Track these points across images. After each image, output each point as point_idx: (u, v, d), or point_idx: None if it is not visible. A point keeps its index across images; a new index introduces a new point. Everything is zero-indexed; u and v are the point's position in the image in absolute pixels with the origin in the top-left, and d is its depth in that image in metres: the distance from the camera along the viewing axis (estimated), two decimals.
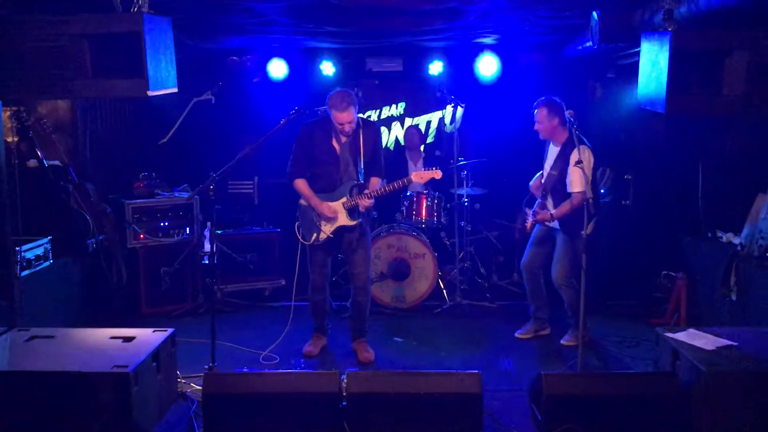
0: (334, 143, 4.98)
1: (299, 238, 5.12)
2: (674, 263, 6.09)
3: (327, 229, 5.02)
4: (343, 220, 5.00)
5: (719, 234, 5.71)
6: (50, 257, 5.12)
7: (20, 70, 3.69)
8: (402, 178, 5.01)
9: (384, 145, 8.13)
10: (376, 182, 5.04)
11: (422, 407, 3.74)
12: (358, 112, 4.96)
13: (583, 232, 4.56)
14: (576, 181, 5.06)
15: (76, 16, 3.66)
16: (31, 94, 3.91)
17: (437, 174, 5.06)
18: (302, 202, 5.12)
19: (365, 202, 4.94)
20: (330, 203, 4.98)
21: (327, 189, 5.02)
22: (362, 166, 4.99)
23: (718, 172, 6.13)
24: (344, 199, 4.97)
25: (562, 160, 5.16)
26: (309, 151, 5.01)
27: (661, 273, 6.13)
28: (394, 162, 7.19)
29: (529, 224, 5.39)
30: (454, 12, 5.34)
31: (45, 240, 5.07)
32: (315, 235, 5.05)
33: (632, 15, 4.72)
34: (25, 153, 5.19)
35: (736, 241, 5.27)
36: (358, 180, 4.99)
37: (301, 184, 5.05)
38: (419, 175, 5.04)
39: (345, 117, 4.81)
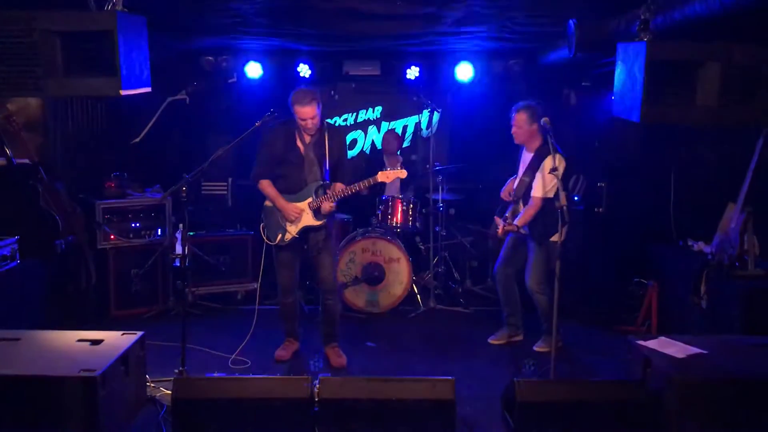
0: (299, 144, 4.97)
1: (264, 239, 5.09)
2: (645, 271, 6.14)
3: (292, 230, 5.00)
4: (309, 220, 4.97)
5: (690, 242, 5.77)
6: (17, 257, 5.02)
7: None
8: (368, 179, 4.93)
9: (360, 148, 8.13)
10: (340, 187, 5.00)
11: (395, 413, 3.72)
12: (334, 115, 4.94)
13: (555, 239, 4.59)
14: (538, 187, 5.13)
15: (47, 12, 3.59)
16: None
17: (402, 173, 5.04)
18: (267, 203, 5.10)
19: (327, 205, 4.90)
20: (296, 204, 4.96)
21: (292, 190, 4.99)
22: (327, 167, 4.97)
23: (689, 181, 6.21)
24: (310, 200, 4.95)
25: (534, 166, 5.21)
26: (274, 152, 4.99)
27: (633, 280, 6.19)
28: (372, 165, 7.17)
29: (500, 231, 5.39)
30: (432, 17, 5.34)
31: (12, 240, 4.97)
32: (280, 235, 5.02)
33: (608, 24, 4.76)
34: None
35: (707, 249, 5.33)
36: (323, 180, 4.96)
37: (266, 185, 5.02)
38: (385, 175, 4.95)
39: (307, 112, 4.78)
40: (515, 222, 5.25)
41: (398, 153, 7.46)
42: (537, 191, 5.18)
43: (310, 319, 6.02)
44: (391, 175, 4.95)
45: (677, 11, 3.70)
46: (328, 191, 4.92)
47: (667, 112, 3.69)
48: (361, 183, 4.91)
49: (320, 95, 4.90)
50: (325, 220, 5.00)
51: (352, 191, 4.92)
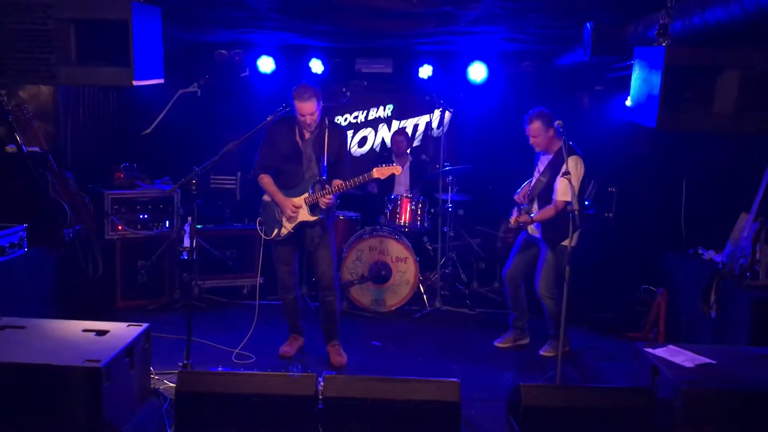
0: (298, 139, 4.97)
1: (261, 234, 5.09)
2: (655, 278, 6.10)
3: (288, 225, 5.00)
4: (304, 215, 4.96)
5: (701, 251, 5.72)
6: (25, 245, 5.01)
7: (2, 52, 3.60)
8: (364, 174, 4.92)
9: (370, 147, 8.11)
10: (338, 183, 4.97)
11: (399, 414, 3.69)
12: (345, 112, 4.92)
13: (566, 244, 4.55)
14: (561, 191, 5.07)
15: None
16: (12, 78, 3.81)
17: (397, 170, 4.99)
18: (266, 198, 5.11)
19: (325, 199, 4.87)
20: (293, 199, 4.95)
21: (289, 185, 4.99)
22: (325, 163, 4.95)
23: (701, 188, 6.15)
24: (306, 195, 4.94)
25: (554, 168, 5.16)
26: (274, 147, 5.01)
27: (641, 287, 6.14)
28: (380, 164, 7.12)
29: (512, 221, 5.34)
30: (448, 16, 5.31)
31: (20, 227, 4.96)
32: (276, 230, 5.03)
33: (625, 28, 4.73)
34: (3, 138, 5.08)
35: (718, 258, 5.27)
36: (320, 176, 4.94)
37: (265, 180, 5.04)
38: (380, 171, 4.95)
39: (307, 107, 4.77)
40: (533, 216, 5.21)
41: (408, 152, 7.44)
42: (561, 195, 5.08)
43: (316, 315, 6.00)
44: (386, 171, 4.95)
45: (697, 16, 3.66)
46: (326, 186, 4.90)
47: (684, 119, 3.66)
48: (356, 179, 4.91)
49: (320, 92, 4.88)
50: (320, 216, 4.97)
51: (348, 186, 4.90)
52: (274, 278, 5.28)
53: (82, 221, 5.55)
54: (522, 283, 5.56)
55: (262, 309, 5.29)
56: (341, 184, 4.88)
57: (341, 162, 5.06)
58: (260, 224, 5.12)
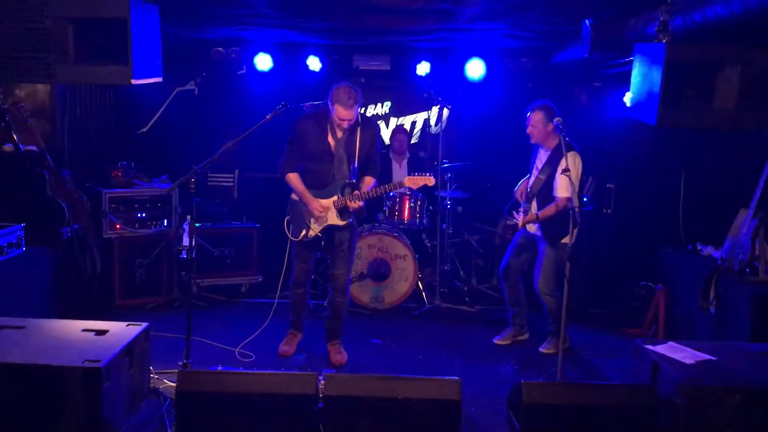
0: (330, 139, 4.84)
1: (288, 233, 5.02)
2: (653, 274, 6.10)
3: (316, 228, 4.93)
4: (333, 219, 4.89)
5: (699, 247, 5.72)
6: (23, 245, 4.99)
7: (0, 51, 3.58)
8: (394, 182, 4.88)
9: None
10: (369, 182, 4.91)
11: (400, 412, 3.69)
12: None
13: (566, 242, 4.55)
14: (562, 187, 5.06)
15: None
16: (10, 77, 3.79)
17: (430, 181, 4.93)
18: (294, 197, 5.01)
19: (355, 204, 4.80)
20: (321, 200, 4.87)
21: (318, 185, 4.89)
22: (356, 165, 4.85)
23: (700, 184, 6.16)
24: (335, 198, 4.85)
25: (552, 164, 5.15)
26: (303, 145, 4.87)
27: (640, 283, 6.14)
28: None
29: (520, 222, 5.33)
30: (447, 13, 5.29)
31: (18, 227, 4.93)
32: (304, 232, 4.96)
33: (624, 25, 4.71)
34: (0, 137, 5.06)
35: (717, 254, 5.27)
36: (350, 179, 4.87)
37: (294, 179, 4.92)
38: (413, 180, 4.90)
39: (348, 114, 4.66)
40: (537, 213, 5.19)
41: (407, 150, 7.43)
42: (562, 191, 5.07)
43: (314, 313, 6.00)
44: (419, 181, 4.89)
45: (697, 13, 3.64)
46: (355, 191, 4.82)
47: (684, 116, 3.66)
48: (387, 186, 4.86)
49: (362, 96, 4.75)
50: (350, 220, 4.91)
51: (377, 193, 4.85)
52: (272, 277, 5.25)
53: (80, 220, 5.53)
54: (519, 280, 5.55)
55: (259, 307, 5.28)
56: (371, 192, 4.81)
57: (373, 159, 4.97)
58: (288, 224, 5.03)
